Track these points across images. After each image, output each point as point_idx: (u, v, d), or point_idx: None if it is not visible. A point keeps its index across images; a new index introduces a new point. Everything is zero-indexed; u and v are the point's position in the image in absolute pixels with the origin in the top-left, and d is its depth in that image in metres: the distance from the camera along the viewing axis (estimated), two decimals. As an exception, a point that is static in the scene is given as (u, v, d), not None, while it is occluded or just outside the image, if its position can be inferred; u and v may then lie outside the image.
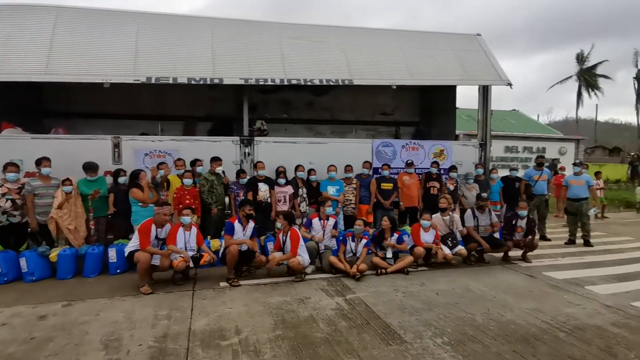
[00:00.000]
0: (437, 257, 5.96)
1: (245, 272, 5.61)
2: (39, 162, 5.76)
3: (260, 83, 7.02)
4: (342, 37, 8.23)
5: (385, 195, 7.35)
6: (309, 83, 7.34)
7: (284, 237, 5.52)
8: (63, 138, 6.91)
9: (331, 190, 7.02)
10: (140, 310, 4.36)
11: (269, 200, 6.65)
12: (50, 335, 3.76)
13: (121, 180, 6.18)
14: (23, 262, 5.36)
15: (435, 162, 7.93)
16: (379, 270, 5.71)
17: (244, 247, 5.40)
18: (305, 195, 7.03)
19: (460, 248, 6.25)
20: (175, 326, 3.96)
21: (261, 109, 8.56)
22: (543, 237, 8.23)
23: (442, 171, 8.01)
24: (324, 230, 6.03)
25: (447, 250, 6.11)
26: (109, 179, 6.33)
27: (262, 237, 6.24)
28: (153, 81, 6.56)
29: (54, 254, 5.51)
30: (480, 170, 8.10)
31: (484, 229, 6.48)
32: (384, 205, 7.28)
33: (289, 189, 6.78)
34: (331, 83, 7.45)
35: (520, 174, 8.62)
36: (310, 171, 7.14)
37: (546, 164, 9.05)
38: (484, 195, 6.88)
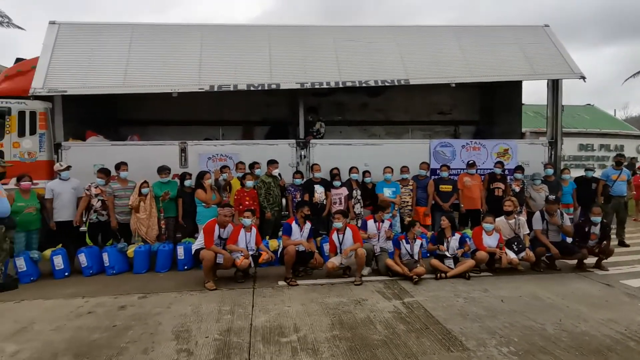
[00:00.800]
0: (501, 262, 5.64)
1: (302, 272, 5.73)
2: (117, 167, 6.35)
3: (316, 86, 7.16)
4: (397, 37, 8.12)
5: (444, 197, 7.11)
6: (363, 84, 7.34)
7: (341, 237, 5.54)
8: (138, 144, 7.57)
9: (387, 193, 6.94)
10: (206, 305, 4.63)
11: (324, 202, 6.73)
12: (129, 324, 4.12)
13: (187, 183, 6.60)
14: (105, 256, 5.94)
15: (500, 162, 7.52)
16: (438, 274, 5.53)
17: (301, 248, 5.52)
18: (359, 197, 7.02)
19: (528, 253, 5.85)
20: (238, 321, 4.16)
21: (316, 112, 8.70)
22: (621, 243, 7.48)
23: (506, 172, 7.58)
24: (378, 233, 5.98)
25: (512, 255, 5.75)
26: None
27: (318, 239, 6.33)
28: (216, 89, 6.95)
29: (130, 250, 6.04)
30: (550, 171, 7.55)
31: (554, 233, 6.02)
32: (443, 208, 7.05)
33: (344, 191, 6.82)
34: (386, 84, 7.38)
35: (597, 174, 7.90)
36: (365, 173, 7.12)
37: (624, 163, 8.19)
38: (552, 197, 6.38)
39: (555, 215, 6.03)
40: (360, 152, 7.51)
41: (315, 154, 7.39)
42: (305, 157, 7.41)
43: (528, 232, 6.08)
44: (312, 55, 7.59)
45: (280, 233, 6.67)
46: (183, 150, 7.27)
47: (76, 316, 4.34)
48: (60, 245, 6.01)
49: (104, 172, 6.24)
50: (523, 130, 10.13)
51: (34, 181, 6.00)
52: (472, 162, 7.42)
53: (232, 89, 6.99)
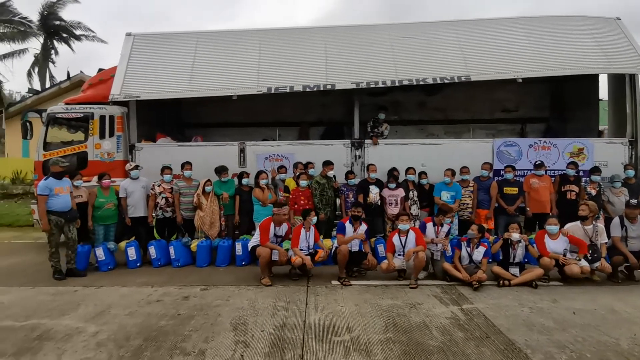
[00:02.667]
0: (570, 271, 5.18)
1: (355, 273, 5.70)
2: (182, 166, 6.78)
3: (371, 86, 7.09)
4: (457, 32, 7.79)
5: (508, 200, 6.69)
6: (421, 82, 7.14)
7: (403, 240, 5.42)
8: (200, 145, 8.03)
9: (445, 196, 6.66)
10: (262, 300, 4.78)
11: (379, 203, 6.64)
12: (192, 313, 4.37)
13: (245, 181, 6.86)
14: (172, 250, 6.36)
15: (573, 163, 6.91)
16: (501, 282, 5.21)
17: (355, 248, 5.50)
18: (416, 198, 6.84)
19: (603, 263, 5.30)
20: (292, 317, 4.24)
21: (371, 112, 8.60)
22: None
23: (581, 173, 6.95)
24: (436, 237, 5.77)
25: (583, 263, 5.25)
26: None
27: (373, 240, 6.26)
28: (273, 91, 7.17)
29: (194, 245, 6.41)
30: (631, 172, 6.80)
31: (636, 241, 5.40)
32: (508, 211, 6.63)
33: (400, 192, 6.67)
34: (445, 81, 7.11)
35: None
36: (421, 174, 6.91)
37: None
38: (634, 201, 5.70)
39: (636, 221, 5.41)
40: (417, 152, 7.30)
41: (370, 154, 7.32)
42: (360, 157, 7.37)
43: (606, 240, 5.50)
44: (367, 54, 7.52)
45: (333, 233, 6.71)
46: (242, 151, 7.57)
47: (146, 303, 4.70)
48: (133, 238, 6.55)
49: (169, 169, 6.69)
50: (600, 127, 9.20)
51: (112, 179, 6.61)
52: (539, 162, 6.89)
53: (288, 90, 7.16)
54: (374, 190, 6.64)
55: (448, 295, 4.94)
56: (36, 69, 23.83)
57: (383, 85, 7.16)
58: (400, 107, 9.41)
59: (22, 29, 22.22)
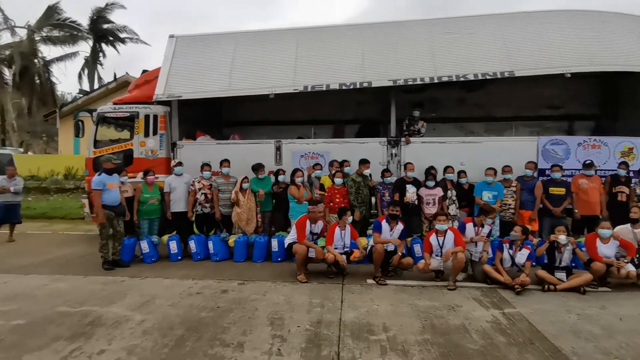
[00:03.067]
0: (618, 274, 4.88)
1: (391, 272, 5.64)
2: (221, 163, 6.97)
3: (409, 83, 6.96)
4: (501, 25, 7.49)
5: (554, 201, 6.37)
6: (461, 79, 6.93)
7: (441, 240, 5.31)
8: (238, 143, 8.22)
9: (486, 196, 6.44)
10: (298, 296, 4.83)
11: (416, 202, 6.53)
12: (230, 307, 4.50)
13: (281, 178, 6.95)
14: (210, 245, 6.57)
15: (624, 163, 6.49)
16: (547, 286, 4.98)
17: (391, 247, 5.44)
18: (454, 198, 6.66)
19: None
20: (327, 315, 4.26)
21: (408, 109, 8.45)
22: None
23: (631, 174, 6.50)
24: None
25: (630, 267, 4.94)
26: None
27: (409, 239, 6.16)
28: (309, 89, 7.21)
29: (231, 240, 6.59)
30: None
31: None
32: (554, 213, 6.32)
33: (438, 191, 6.51)
34: (487, 77, 6.86)
35: None
36: (460, 173, 6.72)
37: None
38: None
39: None
40: (456, 151, 7.10)
41: (406, 152, 7.20)
42: (396, 155, 7.27)
43: None
44: (405, 51, 7.38)
45: (369, 231, 6.68)
46: (278, 149, 7.68)
47: (188, 295, 4.88)
48: (175, 232, 6.81)
49: (208, 166, 6.91)
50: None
51: (156, 175, 6.91)
52: (589, 162, 6.51)
53: (324, 88, 7.17)
54: (410, 190, 6.52)
55: (488, 298, 4.78)
56: (86, 71, 25.31)
57: (421, 82, 7.01)
58: (438, 104, 9.17)
59: (75, 32, 23.64)
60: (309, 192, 6.72)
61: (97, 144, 8.17)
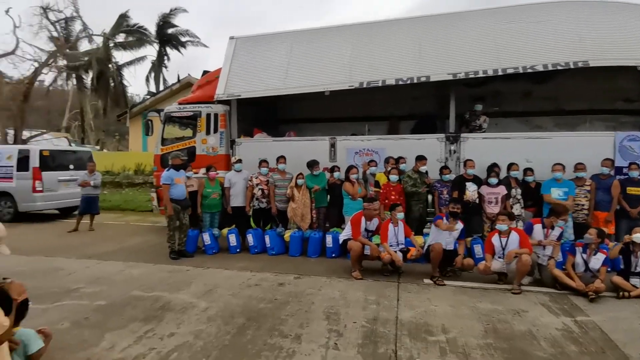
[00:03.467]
0: None
1: (449, 272, 5.46)
2: (277, 160, 7.16)
3: (470, 76, 6.64)
4: (573, 12, 6.88)
5: (632, 202, 5.79)
6: (529, 70, 6.49)
7: (504, 241, 5.05)
8: (294, 140, 8.37)
9: (556, 193, 5.99)
10: (353, 292, 4.84)
11: (477, 201, 6.24)
12: (287, 299, 4.62)
13: (335, 175, 6.98)
14: (267, 239, 6.78)
15: None
16: (621, 293, 4.56)
17: (450, 247, 5.27)
18: (519, 197, 6.27)
19: None
20: (383, 312, 4.23)
21: (468, 104, 8.07)
22: None
23: None
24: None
25: None
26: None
27: (469, 239, 5.91)
28: (365, 85, 7.14)
29: (287, 235, 6.75)
30: None
31: None
32: (631, 215, 5.75)
33: (502, 190, 6.17)
34: (559, 67, 6.36)
35: None
36: (526, 171, 6.31)
37: None
38: None
39: None
40: (521, 147, 6.66)
41: (466, 149, 6.88)
42: (455, 152, 6.98)
43: None
44: (465, 43, 7.03)
45: (425, 230, 6.51)
46: (332, 145, 7.71)
47: (247, 286, 5.09)
48: (234, 225, 7.12)
49: (265, 162, 7.12)
50: None
51: (217, 171, 7.25)
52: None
53: (380, 84, 7.07)
54: (471, 188, 6.24)
55: (558, 304, 4.47)
56: (152, 74, 27.15)
57: (484, 75, 6.65)
58: (501, 98, 8.66)
59: (142, 38, 25.44)
60: (363, 189, 6.69)
61: (164, 141, 8.74)
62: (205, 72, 9.91)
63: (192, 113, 8.53)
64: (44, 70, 18.67)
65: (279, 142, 8.25)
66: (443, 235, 5.29)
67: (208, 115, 8.40)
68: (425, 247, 5.46)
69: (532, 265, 5.00)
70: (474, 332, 3.75)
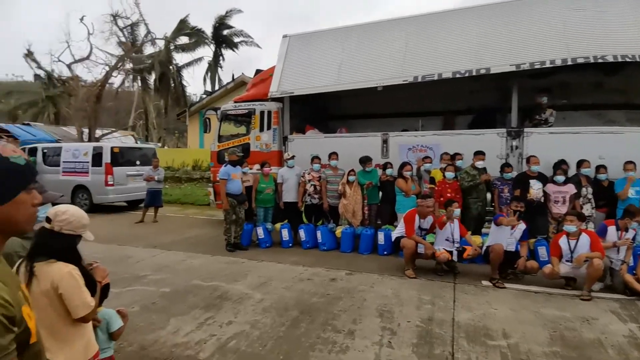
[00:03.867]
0: None
1: (510, 275, 5.18)
2: (329, 156, 7.19)
3: (536, 66, 6.20)
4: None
5: None
6: (599, 60, 5.93)
7: (572, 244, 4.68)
8: (345, 136, 8.36)
9: (630, 192, 5.47)
10: (406, 291, 4.76)
11: (541, 200, 5.84)
12: (339, 295, 4.64)
13: (388, 172, 6.88)
14: (319, 234, 6.85)
15: None
16: None
17: (511, 248, 4.99)
18: (590, 196, 5.79)
19: None
20: (439, 313, 4.11)
21: (531, 96, 7.54)
22: None
23: None
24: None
25: None
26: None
27: (532, 241, 5.56)
28: (419, 79, 6.94)
29: (338, 231, 6.77)
30: None
31: None
32: None
33: (570, 188, 5.72)
34: (627, 59, 5.75)
35: None
36: (599, 168, 5.80)
37: None
38: None
39: None
40: (592, 142, 6.12)
41: (530, 144, 6.44)
42: (517, 148, 6.56)
43: None
44: (530, 31, 6.57)
45: (484, 230, 6.23)
46: (385, 142, 7.60)
47: (299, 280, 5.18)
48: (286, 220, 7.27)
49: (318, 158, 7.19)
50: None
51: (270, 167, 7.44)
52: None
53: (436, 78, 6.82)
54: (535, 186, 5.85)
55: (627, 311, 4.12)
56: (208, 74, 28.41)
57: (551, 65, 6.17)
58: (570, 90, 8.00)
59: (200, 40, 26.70)
60: (417, 186, 6.53)
61: (220, 138, 9.12)
62: (258, 71, 10.19)
63: (246, 111, 8.80)
64: (114, 74, 20.23)
65: (330, 138, 8.28)
66: (504, 236, 5.02)
67: (262, 113, 8.62)
68: (484, 248, 5.22)
69: (604, 270, 4.60)
70: (538, 339, 3.53)
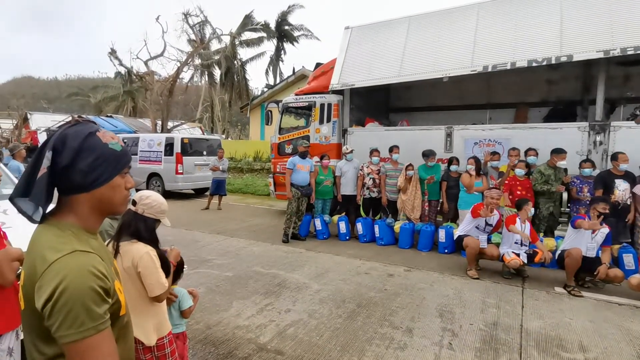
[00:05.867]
0: None
1: (588, 283, 4.72)
2: (390, 150, 7.04)
3: (629, 52, 5.51)
4: None
5: None
6: None
7: None
8: (407, 129, 8.12)
9: None
10: (469, 292, 4.53)
11: (628, 202, 5.23)
12: (397, 291, 4.55)
13: (453, 168, 6.57)
14: (376, 228, 6.76)
15: None
16: None
17: (591, 253, 4.53)
18: (690, 200, 5.07)
19: None
20: (505, 318, 3.87)
21: (619, 87, 6.74)
22: None
23: None
24: None
25: None
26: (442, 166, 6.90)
27: (616, 247, 5.01)
28: (490, 69, 6.50)
29: (397, 226, 6.63)
30: None
31: None
32: None
33: (668, 190, 5.06)
34: None
35: None
36: None
37: None
38: None
39: None
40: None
41: (618, 140, 5.76)
42: (601, 143, 5.92)
43: None
44: (621, 12, 5.84)
45: (557, 232, 5.73)
46: (449, 135, 7.26)
47: (356, 273, 5.16)
48: (344, 213, 7.26)
49: (377, 151, 7.07)
50: None
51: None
52: None
53: (509, 67, 6.34)
54: (621, 186, 5.24)
55: None
56: (270, 68, 29.18)
57: (647, 51, 5.45)
58: None
59: (263, 35, 27.48)
60: (484, 182, 6.17)
61: (280, 130, 9.32)
62: (318, 65, 10.23)
63: (307, 103, 8.89)
64: (184, 69, 21.53)
65: (390, 131, 8.10)
66: (584, 240, 4.56)
67: (322, 105, 8.65)
68: (559, 252, 4.80)
69: None
70: (622, 356, 3.18)
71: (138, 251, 1.97)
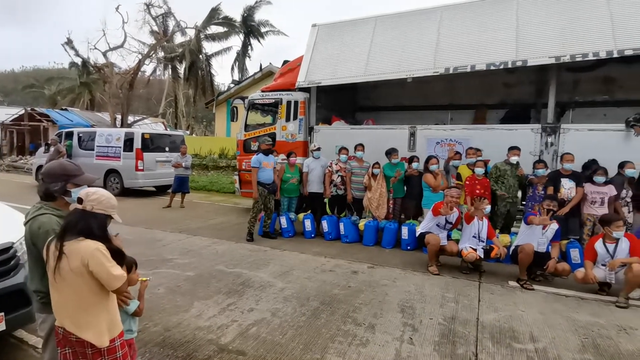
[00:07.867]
0: None
1: (539, 277, 4.98)
2: (355, 147, 7.10)
3: (577, 59, 5.86)
4: None
5: None
6: (650, 52, 5.54)
7: (611, 248, 4.41)
8: (372, 128, 8.24)
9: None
10: (429, 288, 4.66)
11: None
12: (360, 288, 4.60)
13: (414, 166, 6.73)
14: (342, 226, 6.81)
15: None
16: None
17: (541, 249, 4.79)
18: (628, 199, 5.47)
19: None
20: (463, 312, 4.01)
21: (571, 91, 7.16)
22: None
23: None
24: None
25: None
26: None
27: (564, 242, 5.32)
28: (451, 71, 6.71)
29: (361, 224, 6.71)
30: None
31: None
32: None
33: (610, 190, 5.41)
34: None
35: None
36: (645, 169, 5.46)
37: None
38: None
39: None
40: (637, 142, 5.77)
41: (566, 141, 6.13)
42: (552, 144, 6.27)
43: None
44: (575, 21, 6.17)
45: (513, 229, 6.02)
46: (412, 135, 7.43)
47: (321, 271, 5.17)
48: (310, 211, 7.26)
49: (345, 149, 7.11)
50: None
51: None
52: None
53: (469, 69, 6.57)
54: (567, 184, 5.58)
55: (674, 324, 3.85)
56: (237, 63, 28.66)
57: (594, 58, 5.82)
58: (613, 85, 7.54)
59: (230, 29, 26.93)
60: (445, 181, 6.36)
61: (247, 127, 9.18)
62: (285, 62, 10.15)
63: (273, 100, 8.81)
64: (146, 62, 20.74)
65: (356, 130, 8.18)
66: (535, 236, 4.82)
67: (288, 103, 8.61)
68: (513, 247, 5.03)
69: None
70: (568, 345, 3.38)
71: (87, 248, 1.87)
